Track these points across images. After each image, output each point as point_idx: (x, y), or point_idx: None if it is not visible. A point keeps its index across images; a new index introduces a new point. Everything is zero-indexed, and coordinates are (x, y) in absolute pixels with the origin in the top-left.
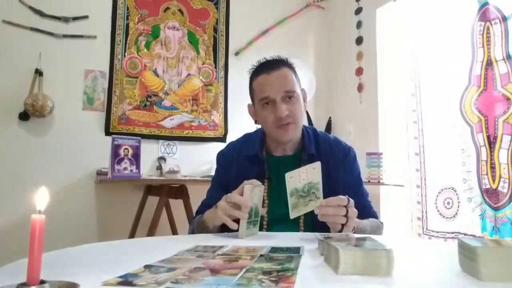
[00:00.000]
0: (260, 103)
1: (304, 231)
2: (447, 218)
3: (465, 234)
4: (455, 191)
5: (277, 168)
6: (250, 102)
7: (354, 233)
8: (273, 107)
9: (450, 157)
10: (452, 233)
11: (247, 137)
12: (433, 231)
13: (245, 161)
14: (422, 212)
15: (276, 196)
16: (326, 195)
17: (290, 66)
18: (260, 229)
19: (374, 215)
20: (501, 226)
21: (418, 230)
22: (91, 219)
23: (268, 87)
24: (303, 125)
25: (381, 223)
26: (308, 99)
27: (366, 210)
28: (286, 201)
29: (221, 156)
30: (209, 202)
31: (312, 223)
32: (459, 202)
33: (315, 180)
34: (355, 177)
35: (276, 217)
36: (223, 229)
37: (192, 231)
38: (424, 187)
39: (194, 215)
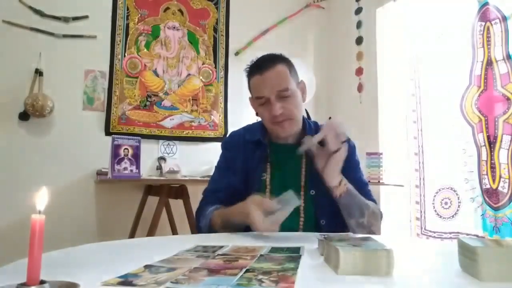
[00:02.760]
0: (256, 101)
1: (305, 217)
2: (444, 218)
3: (467, 234)
4: (454, 191)
5: (279, 154)
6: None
7: (342, 193)
8: (268, 105)
9: (450, 157)
10: (451, 233)
11: (248, 126)
12: (430, 231)
13: (249, 146)
14: (421, 212)
15: (278, 180)
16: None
17: (284, 60)
18: None
19: (373, 201)
20: (501, 226)
21: (417, 230)
22: (91, 219)
23: (261, 87)
24: (305, 119)
25: (380, 211)
26: (308, 99)
27: (364, 197)
28: (288, 186)
29: (228, 142)
30: (216, 187)
31: (314, 209)
32: (459, 202)
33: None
34: (353, 163)
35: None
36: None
37: (207, 227)
38: (423, 187)
39: (200, 203)
